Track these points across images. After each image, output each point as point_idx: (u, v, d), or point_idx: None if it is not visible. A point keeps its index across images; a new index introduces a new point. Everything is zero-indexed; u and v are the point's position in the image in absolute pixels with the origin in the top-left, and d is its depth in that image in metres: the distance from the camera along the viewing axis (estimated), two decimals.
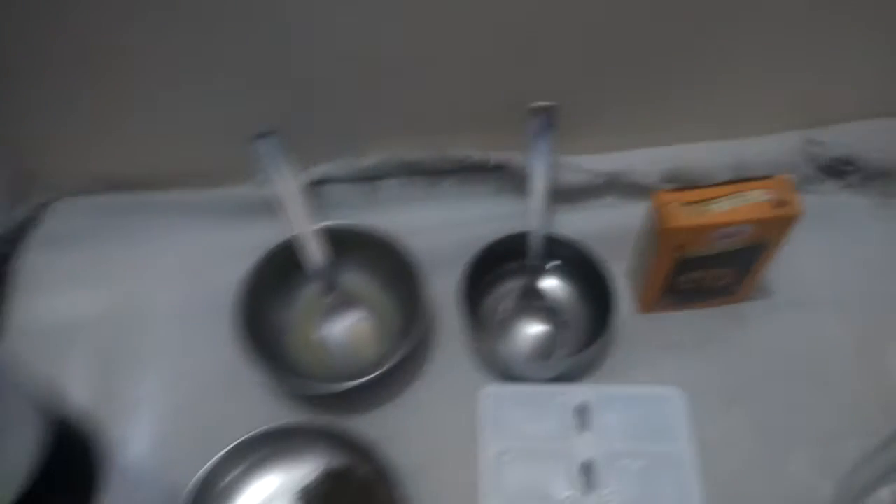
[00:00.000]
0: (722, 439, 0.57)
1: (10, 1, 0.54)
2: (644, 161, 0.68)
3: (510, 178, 0.70)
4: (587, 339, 0.62)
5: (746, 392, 0.60)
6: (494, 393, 0.59)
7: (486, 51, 0.60)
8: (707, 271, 0.58)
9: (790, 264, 0.64)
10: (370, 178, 0.71)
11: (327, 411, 0.59)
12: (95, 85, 0.62)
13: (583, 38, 0.60)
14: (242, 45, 0.59)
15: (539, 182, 0.63)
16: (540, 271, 0.65)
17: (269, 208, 0.65)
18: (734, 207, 0.53)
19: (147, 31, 0.57)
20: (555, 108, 0.62)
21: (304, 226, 0.62)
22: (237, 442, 0.55)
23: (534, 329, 0.63)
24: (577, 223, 0.67)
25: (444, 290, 0.63)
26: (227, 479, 0.56)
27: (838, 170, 0.70)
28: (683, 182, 0.67)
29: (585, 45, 0.61)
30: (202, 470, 0.54)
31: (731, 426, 0.58)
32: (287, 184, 0.63)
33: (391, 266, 0.64)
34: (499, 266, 0.65)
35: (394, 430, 0.58)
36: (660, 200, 0.54)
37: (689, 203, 0.54)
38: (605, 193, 0.70)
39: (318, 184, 0.70)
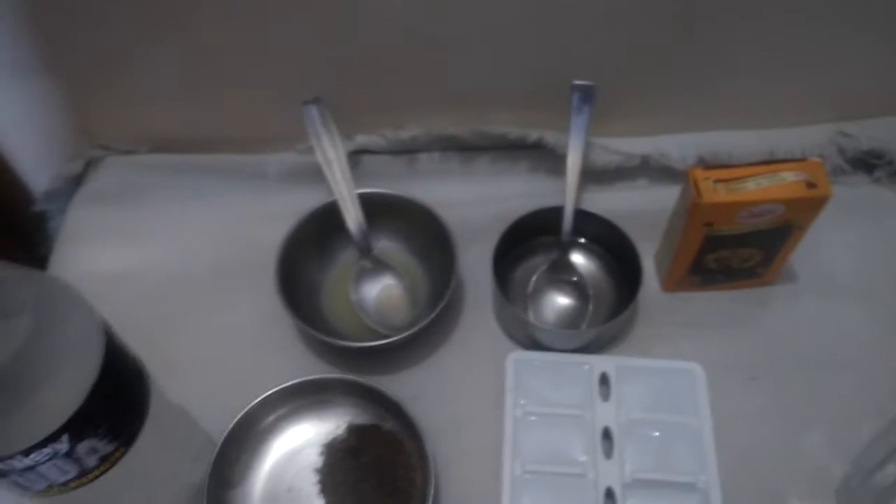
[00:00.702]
0: (738, 415, 0.58)
1: None
2: (677, 146, 0.70)
3: (545, 157, 0.71)
4: (613, 313, 0.63)
5: (765, 372, 0.61)
6: (520, 359, 0.60)
7: (527, 29, 0.62)
8: (735, 251, 0.60)
9: (816, 252, 0.66)
10: (409, 150, 0.73)
11: (357, 369, 0.61)
12: (147, 46, 0.64)
13: (622, 22, 0.61)
14: (293, 14, 0.61)
15: (574, 158, 0.65)
16: (570, 246, 0.66)
17: (310, 175, 0.68)
18: (765, 187, 0.54)
19: None
20: (593, 88, 0.64)
21: (344, 190, 0.64)
22: (270, 392, 0.57)
23: (561, 301, 0.65)
24: (608, 203, 0.68)
25: (475, 261, 0.65)
26: (260, 426, 0.58)
27: (867, 163, 0.71)
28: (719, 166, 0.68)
29: (624, 30, 0.62)
30: (236, 417, 0.56)
31: (748, 404, 0.59)
32: (331, 149, 0.65)
33: (425, 235, 0.66)
34: (531, 239, 0.67)
35: (421, 390, 0.60)
36: (694, 176, 0.55)
37: (722, 181, 0.55)
38: (637, 175, 0.72)
39: (358, 153, 0.72)
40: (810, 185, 0.54)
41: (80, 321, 0.40)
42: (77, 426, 0.39)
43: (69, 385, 0.39)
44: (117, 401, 0.42)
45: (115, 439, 0.43)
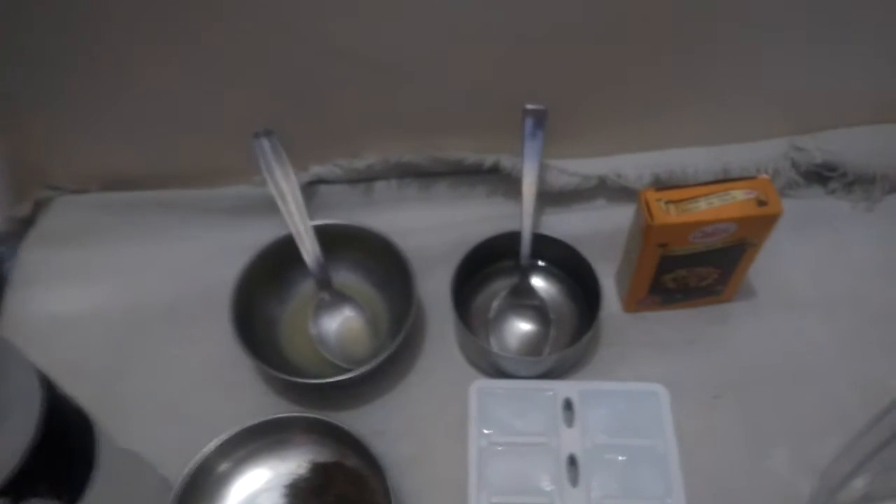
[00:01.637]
0: (704, 435, 0.58)
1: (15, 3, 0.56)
2: (633, 165, 0.70)
3: (503, 181, 0.71)
4: (575, 337, 0.63)
5: (729, 390, 0.61)
6: (483, 388, 0.60)
7: (480, 56, 0.62)
8: (691, 270, 0.60)
9: (774, 267, 0.66)
10: (365, 179, 0.73)
11: (319, 405, 0.60)
12: (95, 85, 0.63)
13: (573, 45, 0.61)
14: (241, 46, 0.60)
15: (530, 183, 0.64)
16: (530, 270, 0.66)
17: (265, 208, 0.67)
18: (717, 206, 0.54)
19: (147, 33, 0.59)
20: (545, 112, 0.63)
21: (299, 224, 0.64)
22: (228, 434, 0.56)
23: (523, 326, 0.64)
24: (567, 224, 0.68)
25: (435, 288, 0.64)
26: (218, 470, 0.56)
27: (822, 175, 0.71)
28: (672, 185, 0.69)
29: (575, 53, 0.62)
30: (193, 461, 0.54)
31: (713, 423, 0.59)
32: (284, 182, 0.64)
33: (384, 264, 0.66)
34: (490, 265, 0.67)
35: (384, 424, 0.59)
36: (646, 198, 0.55)
37: (673, 201, 0.55)
38: (595, 196, 0.72)
39: (314, 184, 0.72)
40: (761, 203, 0.55)
41: (16, 377, 0.39)
42: (16, 487, 0.38)
43: (5, 445, 0.37)
44: (60, 457, 0.41)
45: (61, 496, 0.41)
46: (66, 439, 0.42)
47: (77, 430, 0.43)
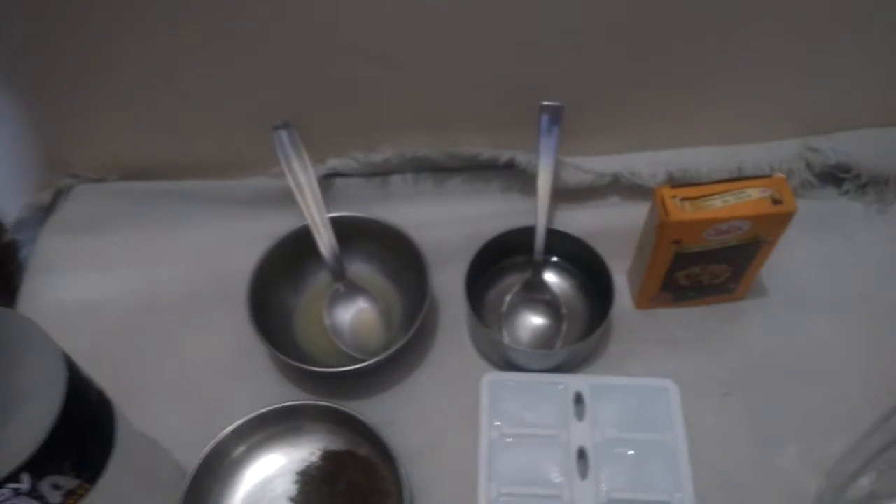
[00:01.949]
0: (713, 431, 0.58)
1: None
2: (647, 163, 0.70)
3: (517, 177, 0.72)
4: (587, 332, 0.63)
5: (739, 387, 0.61)
6: (495, 380, 0.60)
7: (497, 52, 0.62)
8: (705, 267, 0.60)
9: (787, 266, 0.66)
10: (381, 172, 0.73)
11: (332, 395, 0.61)
12: (117, 75, 0.64)
13: (591, 43, 0.62)
14: (261, 41, 0.61)
15: (545, 179, 0.65)
16: (543, 265, 0.67)
17: (282, 199, 0.67)
18: (732, 204, 0.55)
19: (169, 26, 0.60)
20: (561, 108, 0.64)
21: (316, 214, 0.64)
22: (242, 420, 0.57)
23: (535, 320, 0.65)
24: (581, 220, 0.69)
25: (449, 282, 0.65)
26: (233, 455, 0.57)
27: (836, 176, 0.72)
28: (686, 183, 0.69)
29: (593, 51, 0.63)
30: (208, 446, 0.55)
31: (723, 419, 0.59)
32: (302, 174, 0.65)
33: (398, 257, 0.66)
34: (504, 259, 0.67)
35: (396, 414, 0.60)
36: (660, 195, 0.56)
37: (689, 198, 0.55)
38: (609, 193, 0.72)
39: (330, 176, 0.72)
40: (776, 201, 0.55)
41: (40, 357, 0.40)
42: (38, 464, 0.39)
43: (29, 423, 0.38)
44: (81, 436, 0.42)
45: (80, 474, 0.42)
46: (86, 419, 0.42)
47: (97, 410, 0.44)
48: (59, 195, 0.74)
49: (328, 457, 0.58)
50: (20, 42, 0.61)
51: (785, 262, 0.66)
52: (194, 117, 0.68)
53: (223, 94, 0.66)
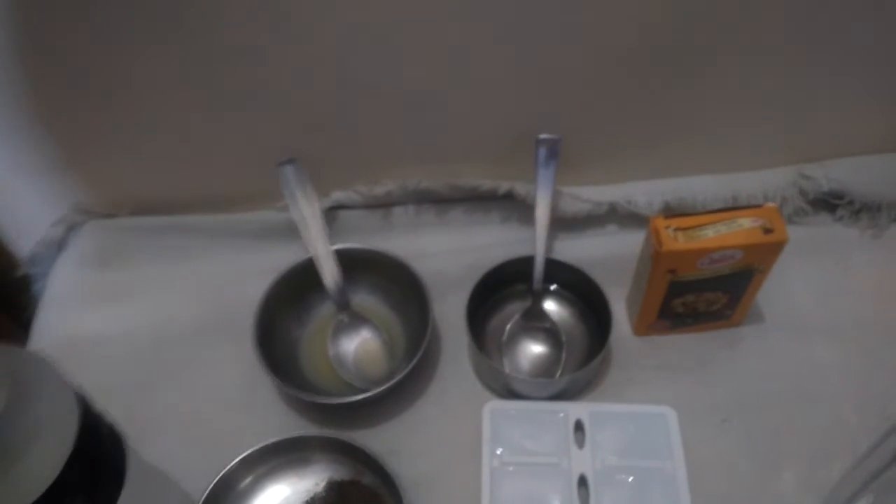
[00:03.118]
0: (712, 458, 0.59)
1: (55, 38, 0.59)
2: (644, 192, 0.72)
3: (517, 207, 0.73)
4: (586, 359, 0.64)
5: (737, 413, 0.62)
6: (497, 409, 0.61)
7: (496, 87, 0.64)
8: (700, 295, 0.61)
9: (782, 292, 0.68)
10: (383, 204, 0.75)
11: (336, 424, 0.62)
12: (127, 116, 0.66)
13: (586, 77, 0.64)
14: (266, 80, 0.63)
15: (543, 210, 0.66)
16: (543, 294, 0.68)
17: (288, 232, 0.69)
18: (724, 233, 0.56)
19: (179, 68, 0.61)
20: (558, 141, 0.66)
21: (320, 247, 0.66)
22: (248, 452, 0.58)
23: (536, 349, 0.66)
24: (580, 249, 0.70)
25: (451, 311, 0.66)
26: (239, 487, 0.58)
27: (829, 203, 0.73)
28: (680, 213, 0.70)
29: (588, 84, 0.64)
30: (215, 478, 0.56)
31: (721, 445, 0.60)
32: (307, 208, 0.66)
33: (401, 287, 0.68)
34: (504, 288, 0.69)
35: (400, 443, 0.61)
36: (655, 226, 0.57)
37: (682, 228, 0.57)
38: (606, 222, 0.74)
39: (334, 209, 0.74)
40: (767, 231, 0.56)
41: (55, 395, 0.41)
42: (53, 499, 0.40)
43: (44, 459, 0.39)
44: (94, 470, 0.43)
45: None
46: (99, 454, 0.44)
47: (110, 445, 0.45)
48: (71, 230, 0.76)
49: (333, 487, 0.59)
50: (34, 85, 0.63)
51: (781, 288, 0.67)
52: (202, 154, 0.70)
53: (230, 132, 0.68)
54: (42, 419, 0.40)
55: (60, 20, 0.58)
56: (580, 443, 0.59)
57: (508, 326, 0.67)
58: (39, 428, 0.40)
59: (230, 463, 0.57)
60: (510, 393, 0.63)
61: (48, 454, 0.40)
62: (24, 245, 0.75)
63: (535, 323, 0.67)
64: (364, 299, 0.70)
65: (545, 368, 0.65)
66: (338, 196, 0.74)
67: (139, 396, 0.63)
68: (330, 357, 0.66)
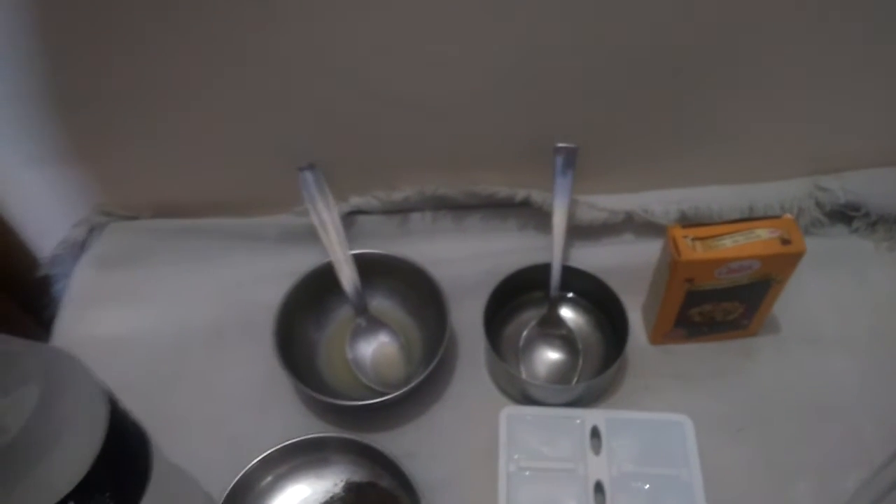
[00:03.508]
0: (727, 466, 0.59)
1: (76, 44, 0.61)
2: (660, 201, 0.72)
3: (533, 215, 0.74)
4: (602, 367, 0.65)
5: (753, 423, 0.62)
6: (513, 414, 0.62)
7: (514, 96, 0.65)
8: (717, 304, 0.62)
9: (799, 303, 0.68)
10: (401, 210, 0.76)
11: (355, 427, 0.63)
12: (149, 120, 0.67)
13: (605, 88, 0.64)
14: (288, 87, 0.64)
15: (560, 218, 0.67)
16: (559, 301, 0.68)
17: (307, 236, 0.70)
18: (741, 244, 0.57)
19: (202, 73, 0.62)
20: (576, 150, 0.66)
21: (339, 252, 0.67)
22: (267, 452, 0.58)
23: (552, 356, 0.67)
24: (596, 258, 0.71)
25: (468, 317, 0.67)
26: (259, 486, 0.59)
27: (846, 215, 0.73)
28: (697, 222, 0.71)
29: (607, 95, 0.65)
30: (235, 477, 0.57)
31: (736, 454, 0.60)
32: (326, 212, 0.67)
33: (419, 292, 0.68)
34: (520, 295, 0.69)
35: (417, 447, 0.61)
36: (673, 235, 0.58)
37: (700, 238, 0.57)
38: (623, 231, 0.74)
39: (353, 214, 0.75)
40: (784, 242, 0.57)
41: (84, 392, 0.42)
42: (82, 494, 0.40)
43: (75, 454, 0.40)
44: (121, 467, 0.44)
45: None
46: (125, 451, 0.45)
47: (135, 442, 0.46)
48: (92, 232, 0.76)
49: (351, 488, 0.60)
50: (57, 86, 0.64)
51: (798, 299, 0.67)
52: (223, 159, 0.71)
53: (251, 136, 0.68)
54: (72, 416, 0.41)
55: (83, 20, 0.58)
56: (596, 449, 0.60)
57: (525, 333, 0.67)
58: (69, 425, 0.40)
59: (251, 463, 0.58)
60: (526, 399, 0.64)
61: (77, 451, 0.41)
62: (45, 246, 0.76)
63: (552, 330, 0.67)
64: (382, 303, 0.70)
65: (561, 375, 0.65)
66: (356, 201, 0.74)
67: (159, 397, 0.64)
68: (348, 360, 0.66)
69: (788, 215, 0.59)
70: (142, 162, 0.72)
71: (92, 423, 0.41)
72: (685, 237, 0.57)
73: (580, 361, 0.65)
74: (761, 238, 0.57)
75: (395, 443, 0.60)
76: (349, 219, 0.74)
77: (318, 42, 0.60)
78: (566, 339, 0.67)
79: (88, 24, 0.59)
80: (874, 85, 0.66)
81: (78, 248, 0.76)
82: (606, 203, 0.72)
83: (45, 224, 0.76)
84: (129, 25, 0.59)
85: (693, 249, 0.57)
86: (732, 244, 0.57)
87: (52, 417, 0.39)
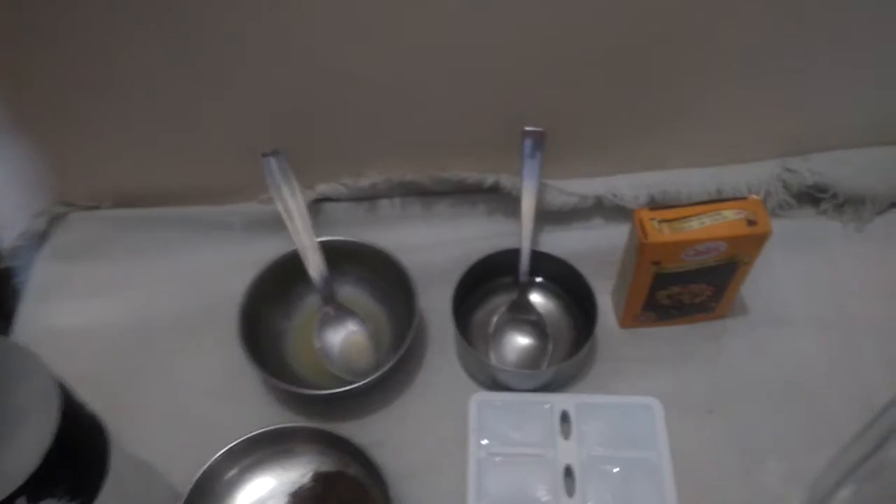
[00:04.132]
0: (698, 449, 0.59)
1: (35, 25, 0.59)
2: (629, 185, 0.72)
3: (503, 200, 0.73)
4: (572, 351, 0.65)
5: (722, 404, 0.62)
6: (483, 400, 0.61)
7: (482, 79, 0.64)
8: (685, 287, 0.62)
9: (767, 284, 0.68)
10: (369, 197, 0.75)
11: (322, 416, 0.62)
12: (109, 106, 0.65)
13: (572, 71, 0.64)
14: (250, 70, 0.63)
15: (529, 202, 0.67)
16: (529, 286, 0.68)
17: (272, 224, 0.69)
18: (708, 225, 0.56)
19: (161, 57, 0.61)
20: (543, 134, 0.66)
21: (305, 239, 0.66)
22: (233, 443, 0.58)
23: (522, 341, 0.66)
24: (566, 242, 0.71)
25: (437, 304, 0.66)
26: (225, 478, 0.58)
27: (813, 196, 0.73)
28: (665, 205, 0.70)
29: (574, 78, 0.64)
30: (200, 470, 0.56)
31: (706, 436, 0.60)
32: (291, 200, 0.66)
33: (387, 280, 0.68)
34: (490, 281, 0.69)
35: (386, 435, 0.61)
36: (640, 217, 0.57)
37: (667, 220, 0.57)
38: (592, 215, 0.74)
39: (319, 202, 0.74)
40: (751, 223, 0.57)
41: (34, 383, 0.41)
42: (34, 488, 0.39)
43: (26, 447, 0.39)
44: (76, 460, 0.43)
45: (75, 498, 0.43)
46: (81, 443, 0.43)
47: (91, 435, 0.45)
48: (53, 222, 0.75)
49: (319, 478, 0.59)
50: (15, 73, 0.63)
51: (765, 280, 0.67)
52: (186, 146, 0.69)
53: (213, 123, 0.67)
54: (24, 408, 0.40)
55: (41, 7, 0.57)
56: (566, 434, 0.59)
57: (495, 318, 0.67)
58: (19, 417, 0.39)
59: (216, 454, 0.57)
60: (496, 384, 0.63)
61: (29, 444, 0.40)
62: (5, 238, 0.74)
63: (522, 315, 0.67)
64: (350, 291, 0.69)
65: (531, 360, 0.65)
66: (323, 188, 0.73)
67: (122, 388, 0.63)
68: (316, 349, 0.65)
69: (755, 196, 0.59)
70: (102, 151, 0.70)
71: (43, 417, 0.40)
72: (652, 219, 0.57)
73: (550, 346, 0.65)
74: (727, 219, 0.57)
75: (364, 431, 0.60)
76: (316, 206, 0.73)
77: (280, 22, 0.59)
78: (536, 324, 0.66)
79: (42, 9, 0.57)
80: (841, 67, 0.66)
81: (38, 240, 0.75)
82: (576, 188, 0.72)
83: (5, 215, 0.74)
84: (85, 12, 0.57)
85: (660, 232, 0.56)
86: (699, 226, 0.56)
87: (1, 410, 0.38)
